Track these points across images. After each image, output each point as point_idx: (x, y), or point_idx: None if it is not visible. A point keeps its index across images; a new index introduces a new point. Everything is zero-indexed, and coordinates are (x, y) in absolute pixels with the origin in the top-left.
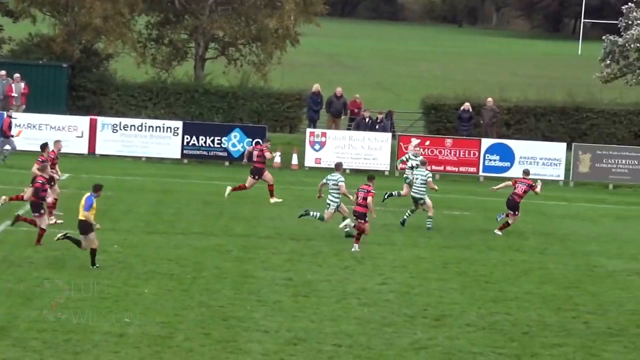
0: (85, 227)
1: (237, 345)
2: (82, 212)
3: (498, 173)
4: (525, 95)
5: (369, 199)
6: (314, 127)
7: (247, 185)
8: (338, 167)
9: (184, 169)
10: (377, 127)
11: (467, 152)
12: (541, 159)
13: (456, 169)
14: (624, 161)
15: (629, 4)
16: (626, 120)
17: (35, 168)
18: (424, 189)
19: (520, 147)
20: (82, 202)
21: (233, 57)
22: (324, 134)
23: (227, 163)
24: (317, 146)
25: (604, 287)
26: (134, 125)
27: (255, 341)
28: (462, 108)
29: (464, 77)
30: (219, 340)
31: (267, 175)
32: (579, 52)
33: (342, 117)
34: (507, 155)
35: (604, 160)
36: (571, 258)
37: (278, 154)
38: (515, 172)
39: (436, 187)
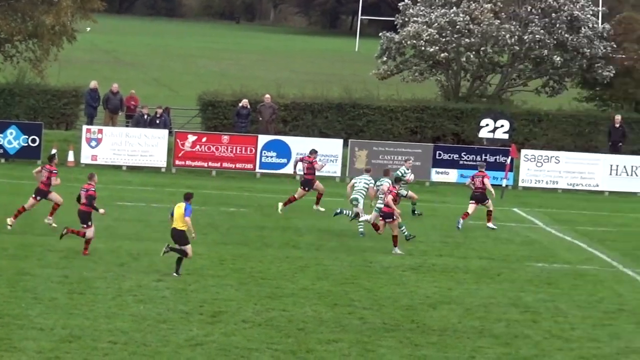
0: (181, 235)
1: (12, 343)
2: (182, 220)
3: (275, 169)
4: (302, 92)
5: (389, 197)
6: (92, 123)
7: (297, 196)
8: (386, 172)
9: None
10: (157, 122)
11: (244, 148)
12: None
13: (233, 166)
14: (400, 157)
15: (406, 0)
16: (402, 116)
17: (54, 181)
18: (364, 193)
19: (297, 143)
20: (181, 211)
21: (9, 54)
22: (100, 131)
23: (2, 160)
24: (93, 143)
25: (380, 283)
26: None
27: (30, 339)
28: (240, 104)
29: (241, 73)
30: None
31: (318, 184)
32: (356, 48)
33: (120, 114)
34: (284, 151)
35: (380, 157)
36: (347, 254)
37: (54, 150)
38: (291, 168)
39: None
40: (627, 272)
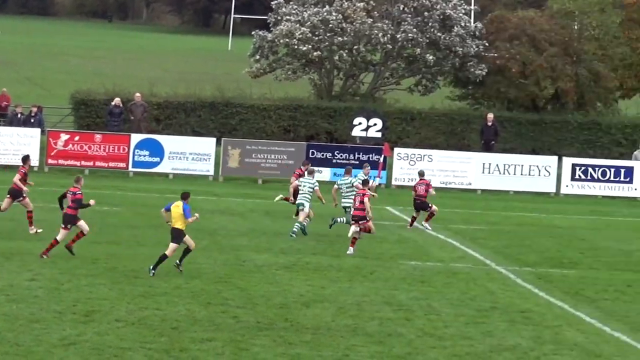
0: (180, 234)
1: None
2: (183, 221)
3: (148, 168)
4: (175, 91)
5: (365, 200)
6: None
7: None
8: (348, 171)
9: None
10: (32, 120)
11: (116, 147)
12: (191, 154)
13: (106, 165)
14: (273, 156)
15: None
16: (275, 115)
17: (17, 178)
18: (309, 196)
19: (169, 142)
20: (179, 211)
21: None
22: None
23: None
24: None
25: (253, 282)
26: None
27: None
28: (112, 103)
29: (114, 72)
30: None
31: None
32: (229, 47)
33: None
34: (157, 150)
35: (254, 155)
36: (220, 253)
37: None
38: (165, 167)
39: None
40: (499, 269)
